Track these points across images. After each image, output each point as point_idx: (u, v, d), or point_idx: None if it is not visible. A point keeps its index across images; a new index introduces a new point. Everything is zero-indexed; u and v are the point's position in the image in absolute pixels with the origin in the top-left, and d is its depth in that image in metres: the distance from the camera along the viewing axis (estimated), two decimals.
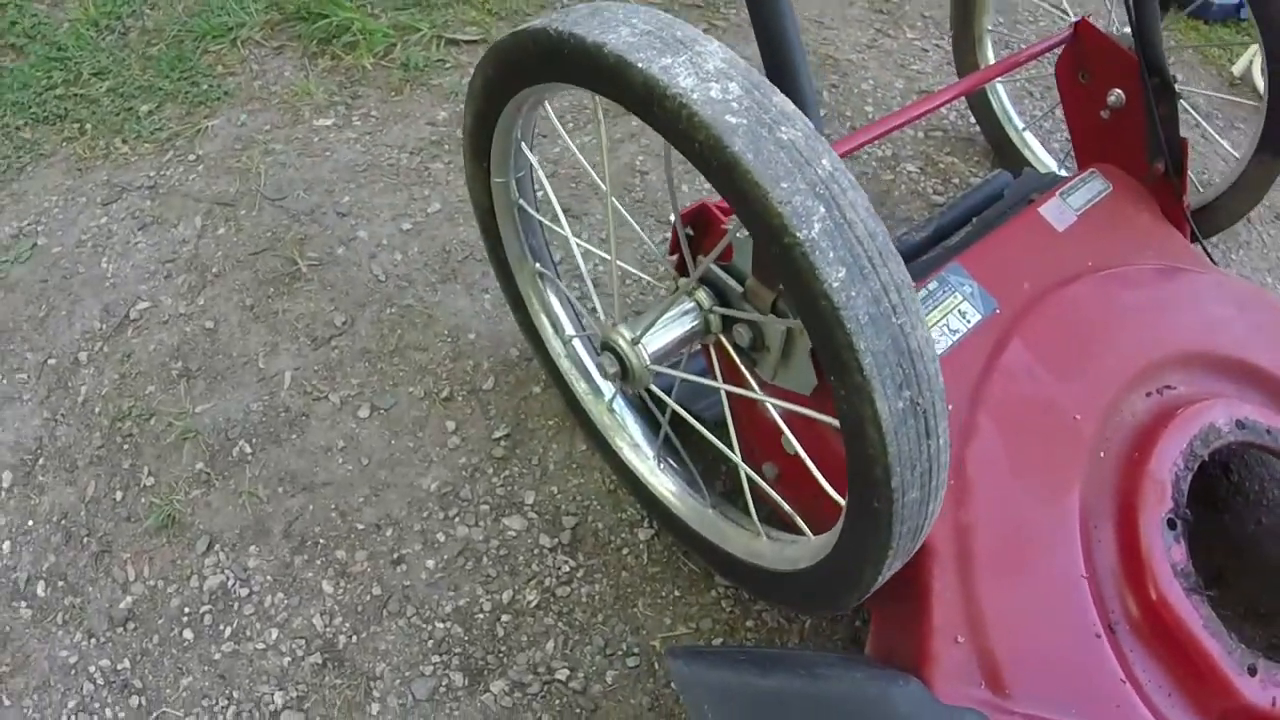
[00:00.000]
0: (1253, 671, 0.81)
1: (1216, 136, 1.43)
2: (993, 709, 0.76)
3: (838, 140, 0.97)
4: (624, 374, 0.80)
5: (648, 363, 0.79)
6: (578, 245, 0.93)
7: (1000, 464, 0.88)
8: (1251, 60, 1.83)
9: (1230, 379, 1.00)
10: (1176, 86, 1.14)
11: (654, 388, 0.85)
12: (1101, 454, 0.91)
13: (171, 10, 1.61)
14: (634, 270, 1.01)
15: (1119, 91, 1.17)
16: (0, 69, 1.51)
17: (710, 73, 0.59)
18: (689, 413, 0.91)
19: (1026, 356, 0.95)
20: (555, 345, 1.04)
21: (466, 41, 1.57)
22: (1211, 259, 1.16)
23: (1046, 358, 0.95)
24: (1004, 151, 1.50)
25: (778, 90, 0.59)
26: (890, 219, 1.39)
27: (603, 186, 0.74)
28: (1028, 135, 1.49)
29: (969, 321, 0.97)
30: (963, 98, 1.45)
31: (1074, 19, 1.20)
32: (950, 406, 0.63)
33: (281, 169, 1.38)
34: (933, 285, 0.99)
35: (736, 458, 0.84)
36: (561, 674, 0.96)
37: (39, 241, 1.30)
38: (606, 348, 0.80)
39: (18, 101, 1.46)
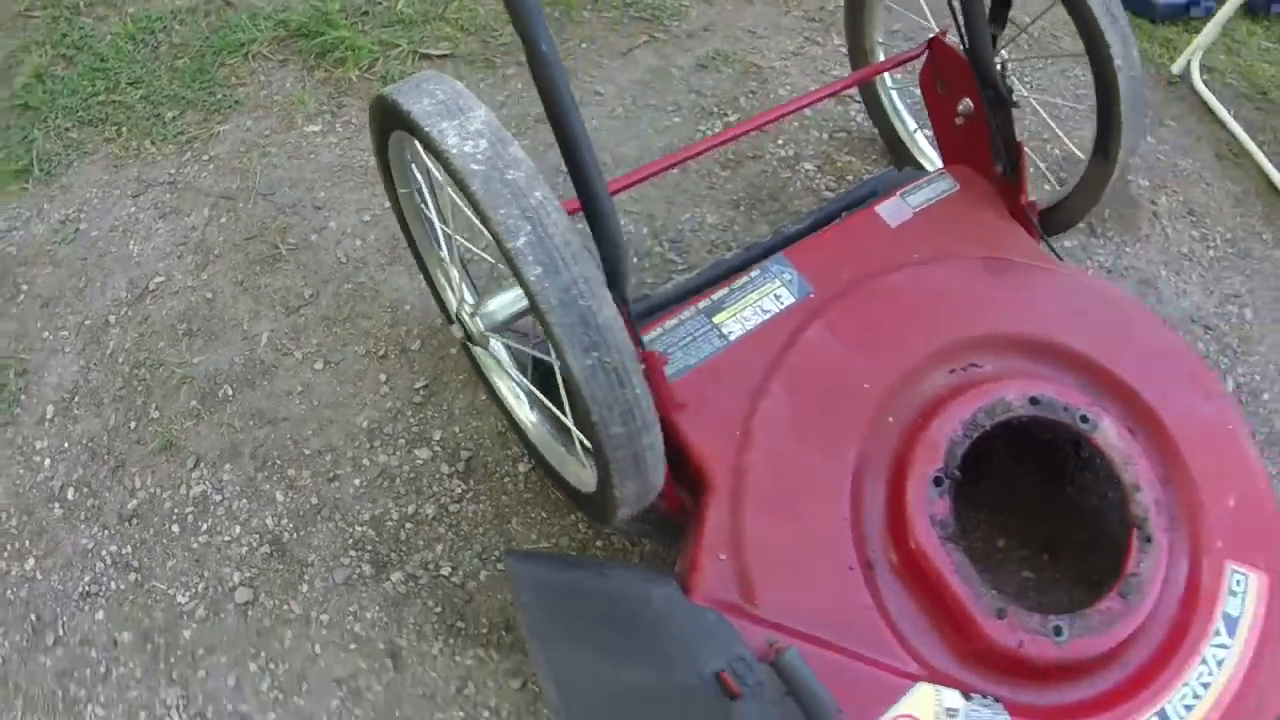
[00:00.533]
0: (1001, 615, 0.99)
1: (1063, 137, 1.60)
2: (736, 613, 0.98)
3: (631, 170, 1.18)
4: (468, 336, 1.07)
5: (483, 329, 1.06)
6: (457, 240, 1.20)
7: (784, 421, 1.10)
8: (1190, 59, 1.95)
9: (1039, 361, 1.16)
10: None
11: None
12: (890, 419, 1.11)
13: (196, 27, 1.92)
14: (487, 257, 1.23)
15: (968, 100, 1.32)
16: (54, 76, 1.84)
17: (470, 133, 0.85)
18: (542, 366, 1.17)
19: (827, 334, 1.17)
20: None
21: (438, 56, 1.84)
22: (1057, 254, 1.32)
23: (847, 335, 1.16)
24: (898, 151, 1.67)
25: (515, 143, 0.85)
26: (782, 212, 1.62)
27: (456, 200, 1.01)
28: (918, 136, 1.65)
29: (782, 304, 1.20)
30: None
31: (932, 34, 1.34)
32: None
33: (274, 169, 1.68)
34: (755, 273, 1.22)
35: (559, 403, 1.10)
36: (445, 570, 1.25)
37: (80, 226, 1.63)
38: (458, 318, 1.08)
39: (67, 106, 1.79)
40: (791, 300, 1.20)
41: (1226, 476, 1.12)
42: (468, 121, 0.87)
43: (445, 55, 1.84)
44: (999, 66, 1.27)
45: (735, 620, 0.98)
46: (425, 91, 0.92)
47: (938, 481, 1.06)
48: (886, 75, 1.60)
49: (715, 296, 1.20)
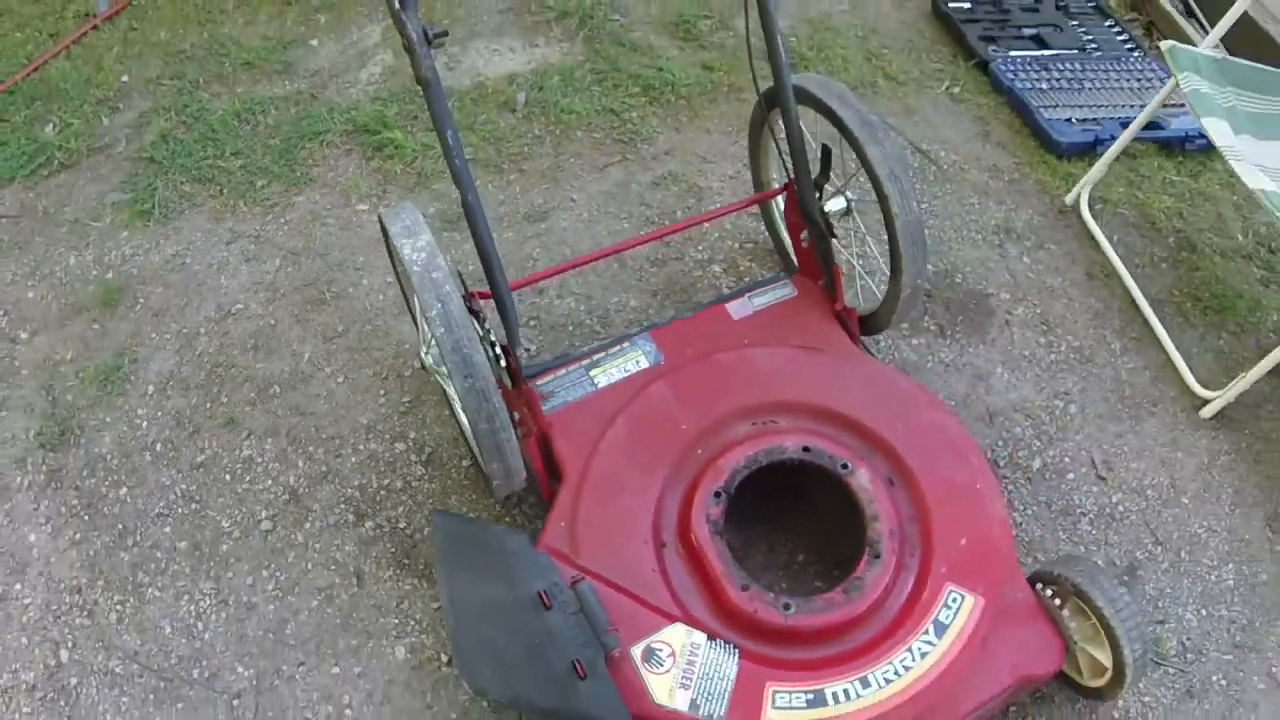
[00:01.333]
0: (746, 588, 1.52)
1: (863, 274, 2.04)
2: (563, 559, 1.53)
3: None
4: (423, 366, 1.67)
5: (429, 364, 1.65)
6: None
7: (621, 443, 1.67)
8: (1080, 191, 2.37)
9: (825, 423, 1.68)
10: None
11: None
12: (699, 451, 1.67)
13: (287, 113, 2.57)
14: None
15: (808, 231, 1.87)
16: (175, 139, 2.50)
17: (417, 247, 1.45)
18: None
19: (665, 390, 1.73)
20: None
21: None
22: (868, 350, 1.84)
23: (679, 392, 1.73)
24: (786, 259, 2.17)
25: (440, 256, 1.45)
26: (688, 302, 2.19)
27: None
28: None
29: (639, 367, 1.78)
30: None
31: (789, 179, 1.83)
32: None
33: (329, 235, 2.31)
34: (626, 344, 1.80)
35: None
36: (402, 524, 1.83)
37: (186, 260, 2.27)
38: (420, 356, 1.67)
39: (183, 165, 2.44)
40: (647, 365, 1.78)
41: (963, 522, 1.60)
42: (418, 241, 1.47)
43: (469, 159, 2.46)
44: (846, 205, 1.80)
45: (561, 563, 1.54)
46: (399, 217, 1.52)
47: (718, 495, 1.61)
48: (779, 199, 2.08)
49: (595, 358, 1.79)
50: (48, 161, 2.45)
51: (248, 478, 1.92)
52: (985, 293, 2.25)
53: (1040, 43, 2.85)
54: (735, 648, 1.50)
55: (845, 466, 1.64)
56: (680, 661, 1.47)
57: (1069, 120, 2.57)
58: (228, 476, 1.92)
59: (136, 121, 2.55)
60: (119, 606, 1.78)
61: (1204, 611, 1.87)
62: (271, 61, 2.69)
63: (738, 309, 1.87)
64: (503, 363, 1.65)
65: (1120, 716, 1.73)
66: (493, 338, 1.59)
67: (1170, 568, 1.91)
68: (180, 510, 1.88)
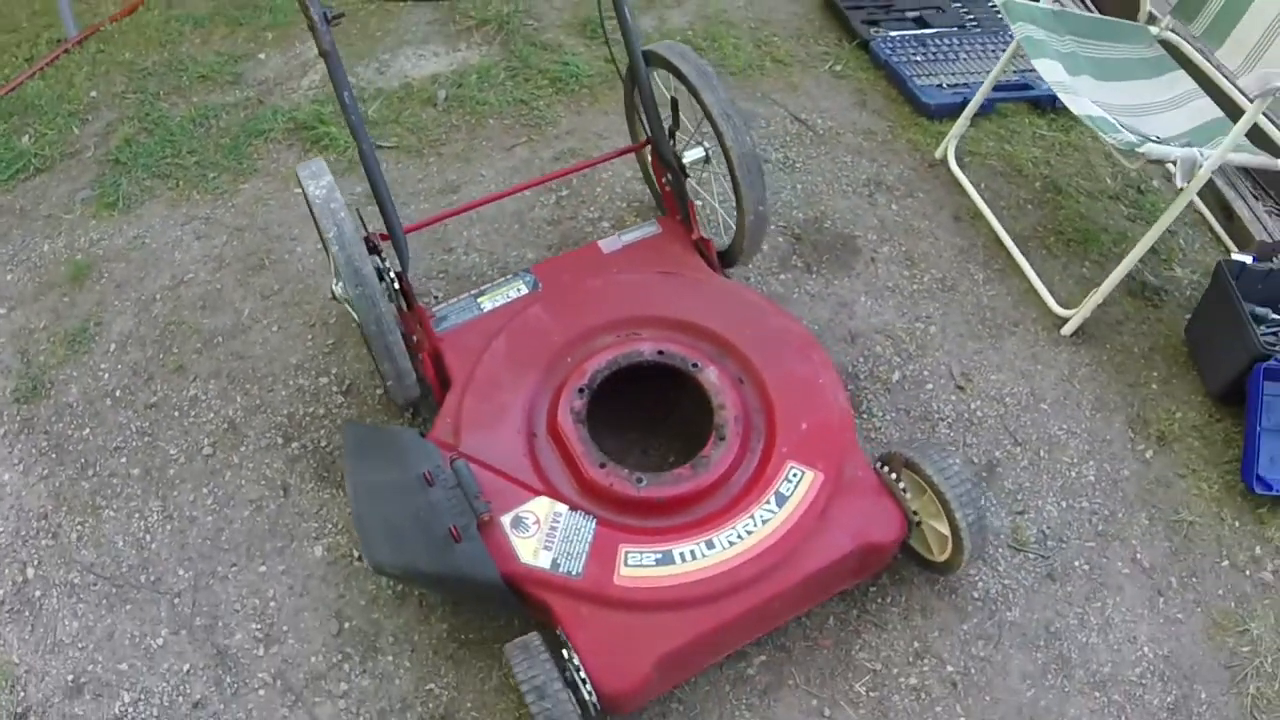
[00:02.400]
0: (603, 466, 1.78)
1: (717, 206, 2.26)
2: (447, 447, 1.79)
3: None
4: (334, 297, 1.94)
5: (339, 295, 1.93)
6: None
7: (501, 354, 1.92)
8: (946, 146, 2.62)
9: (680, 332, 1.93)
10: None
11: None
12: (569, 359, 1.95)
13: (236, 116, 2.88)
14: None
15: (668, 174, 2.15)
16: (137, 142, 2.80)
17: (321, 185, 1.74)
18: None
19: (541, 311, 2.00)
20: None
21: (389, 147, 2.77)
22: (723, 274, 2.10)
23: (553, 312, 1.99)
24: (661, 206, 2.30)
25: (338, 192, 1.74)
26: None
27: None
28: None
29: (520, 293, 2.05)
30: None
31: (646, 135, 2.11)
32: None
33: (270, 214, 2.60)
34: (510, 277, 2.08)
35: None
36: (324, 444, 2.10)
37: (146, 240, 2.57)
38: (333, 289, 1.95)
39: (145, 164, 2.73)
40: (527, 292, 2.05)
41: (805, 410, 1.84)
42: (320, 181, 1.76)
43: (393, 147, 2.76)
44: (704, 154, 2.07)
45: (445, 450, 1.80)
46: (308, 168, 1.81)
47: (581, 391, 1.87)
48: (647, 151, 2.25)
49: (483, 288, 2.06)
50: (24, 167, 2.76)
51: (193, 413, 2.18)
52: (852, 235, 2.52)
53: (922, 23, 3.14)
54: (593, 516, 1.74)
55: (695, 365, 1.90)
56: (544, 528, 1.71)
57: (939, 86, 2.85)
58: (176, 413, 2.19)
59: (104, 130, 2.86)
60: (79, 527, 2.04)
61: (1064, 504, 2.08)
62: (224, 74, 3.01)
63: (608, 245, 2.14)
64: (397, 286, 1.92)
65: (980, 596, 1.94)
66: (392, 270, 1.87)
67: (1030, 465, 2.13)
68: (134, 444, 2.15)
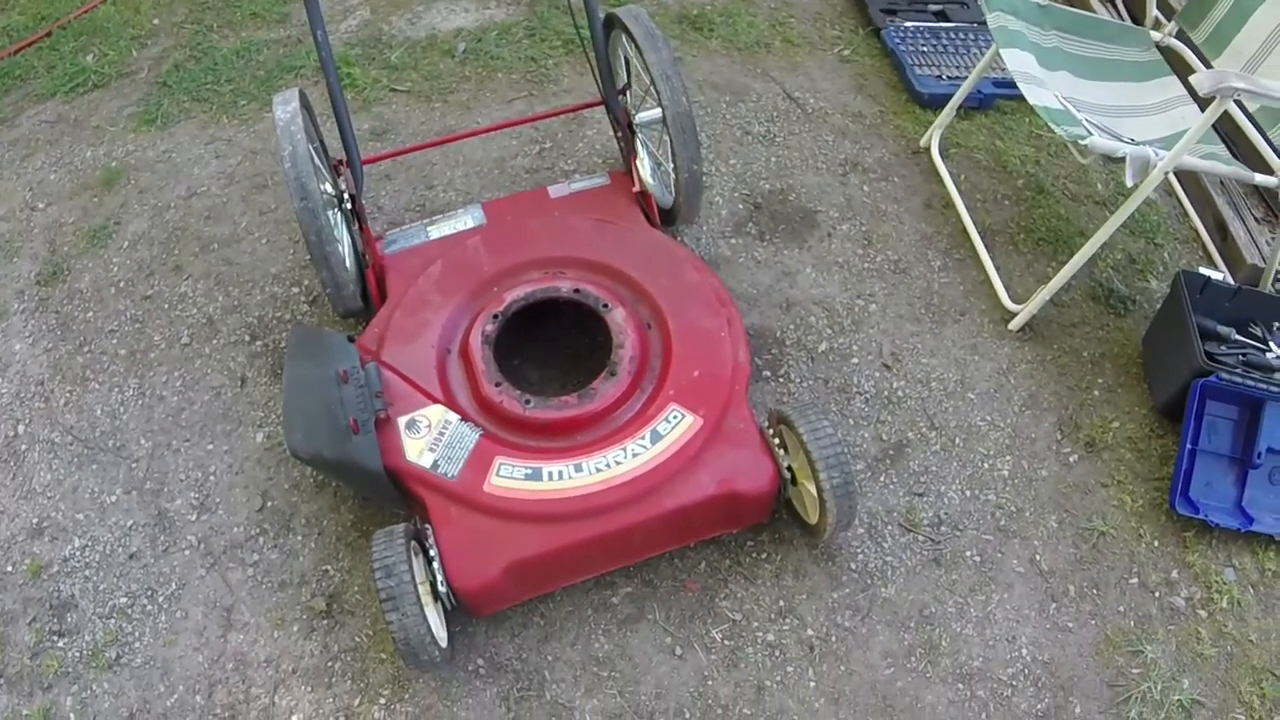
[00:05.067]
0: (498, 385, 1.94)
1: (669, 167, 2.20)
2: (369, 353, 1.98)
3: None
4: None
5: None
6: None
7: (435, 278, 2.09)
8: (931, 135, 2.64)
9: (602, 275, 2.07)
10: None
11: None
12: (495, 288, 2.11)
13: (275, 53, 3.12)
14: None
15: (619, 130, 2.28)
16: (185, 69, 3.07)
17: (287, 110, 1.93)
18: None
19: (479, 243, 2.16)
20: None
21: (402, 90, 2.96)
22: (663, 230, 2.23)
23: (490, 245, 2.15)
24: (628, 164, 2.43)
25: (300, 116, 1.92)
26: None
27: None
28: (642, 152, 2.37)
29: (466, 226, 2.21)
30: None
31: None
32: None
33: None
34: (459, 210, 2.24)
35: None
36: (283, 345, 2.30)
37: (172, 155, 2.82)
38: None
39: (187, 88, 3.01)
40: (472, 225, 2.21)
41: (700, 359, 1.95)
42: (288, 106, 1.95)
43: (406, 91, 2.96)
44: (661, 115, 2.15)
45: (367, 355, 1.97)
46: (282, 94, 1.99)
47: (495, 317, 2.02)
48: None
49: (434, 218, 2.23)
50: (84, 82, 3.06)
51: (180, 307, 2.43)
52: (814, 210, 2.58)
53: (942, 17, 3.16)
54: (480, 429, 1.89)
55: (605, 306, 2.03)
56: (434, 432, 1.87)
57: (939, 77, 2.88)
58: (165, 305, 2.44)
59: (159, 55, 3.15)
60: (68, 395, 2.30)
61: (969, 493, 2.09)
62: (273, 12, 3.26)
63: (557, 191, 2.28)
64: (350, 207, 2.11)
65: (857, 569, 1.99)
66: (348, 192, 2.07)
67: (941, 450, 2.16)
68: (127, 328, 2.41)
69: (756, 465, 1.86)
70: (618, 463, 1.82)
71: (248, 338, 2.34)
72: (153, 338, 2.38)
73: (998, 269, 2.43)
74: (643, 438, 1.85)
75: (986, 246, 2.47)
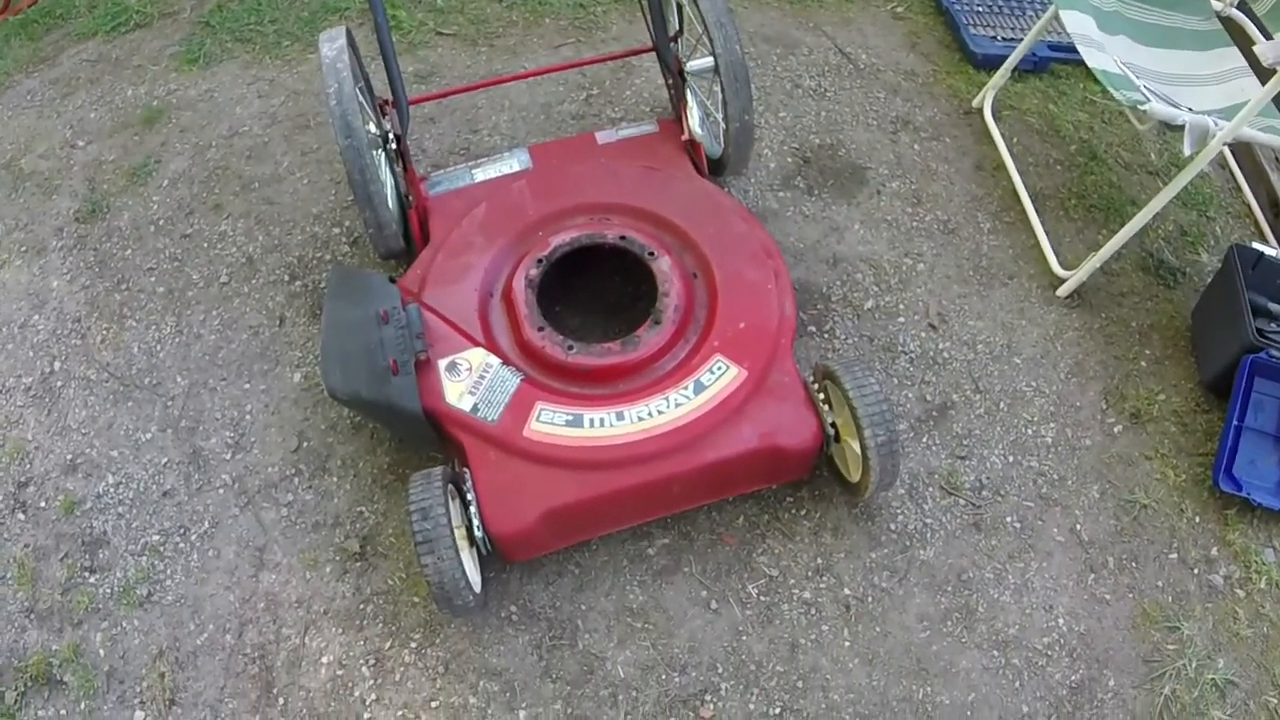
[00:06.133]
0: (541, 330, 1.91)
1: (719, 116, 2.16)
2: (411, 295, 1.95)
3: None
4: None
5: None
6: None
7: (479, 220, 2.06)
8: (985, 96, 2.58)
9: (647, 222, 2.03)
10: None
11: None
12: (540, 233, 2.07)
13: None
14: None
15: (670, 78, 2.22)
16: (229, 9, 3.03)
17: (334, 47, 1.89)
18: None
19: (525, 187, 2.12)
20: None
21: (448, 34, 2.91)
22: (711, 179, 2.16)
23: (536, 190, 2.11)
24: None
25: (346, 53, 1.88)
26: None
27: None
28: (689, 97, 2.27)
29: (512, 169, 2.17)
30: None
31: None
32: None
33: None
34: (505, 153, 2.20)
35: None
36: (322, 285, 2.28)
37: (215, 95, 2.78)
38: None
39: (230, 28, 2.96)
40: (518, 169, 2.16)
41: (747, 310, 1.91)
42: (334, 44, 1.91)
43: (452, 34, 2.90)
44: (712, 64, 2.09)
45: (409, 297, 1.94)
46: (329, 32, 1.95)
47: (539, 261, 1.98)
48: None
49: (479, 161, 2.19)
50: (126, 22, 3.03)
51: (219, 246, 2.41)
52: (864, 166, 2.52)
53: None
54: (522, 374, 1.86)
55: (652, 254, 1.98)
56: (474, 375, 1.84)
57: (994, 38, 2.79)
58: (205, 244, 2.42)
59: None
60: (104, 332, 2.29)
61: (1012, 459, 2.05)
62: None
63: (604, 137, 2.23)
64: (395, 147, 2.07)
65: (897, 530, 1.95)
66: (393, 132, 2.03)
67: (985, 414, 2.11)
68: (165, 267, 2.39)
69: (800, 420, 1.81)
70: (659, 412, 1.78)
71: (287, 277, 2.32)
72: (191, 276, 2.36)
73: (1048, 234, 2.36)
74: (685, 388, 1.81)
75: (1037, 211, 2.40)
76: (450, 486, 1.74)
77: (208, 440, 2.09)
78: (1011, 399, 2.12)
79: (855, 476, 1.86)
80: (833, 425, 1.84)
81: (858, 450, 1.81)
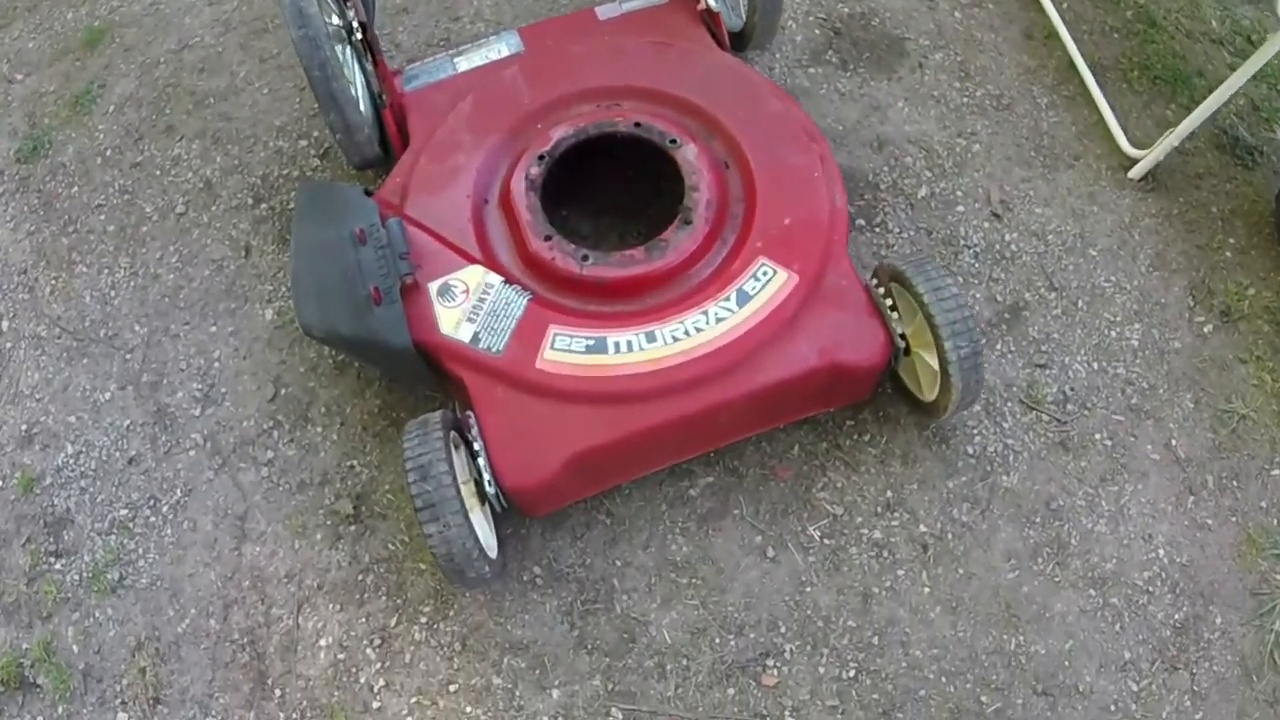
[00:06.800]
0: (548, 239, 1.59)
1: None
2: (392, 208, 1.63)
3: None
4: None
5: None
6: None
7: (466, 115, 1.74)
8: None
9: (666, 106, 1.72)
10: None
11: None
12: (539, 125, 1.74)
13: None
14: None
15: None
16: None
17: None
18: None
19: (518, 73, 1.79)
20: None
21: None
22: (733, 53, 1.86)
23: (531, 76, 1.78)
24: None
25: None
26: None
27: None
28: None
29: (500, 55, 1.83)
30: None
31: None
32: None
33: None
34: (491, 37, 1.86)
35: None
36: (290, 206, 1.97)
37: (160, 6, 2.39)
38: None
39: None
40: (507, 53, 1.83)
41: (791, 204, 1.60)
42: None
43: None
44: None
45: (389, 211, 1.63)
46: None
47: (541, 158, 1.67)
48: None
49: (462, 48, 1.85)
50: None
51: (173, 172, 2.10)
52: (902, 37, 2.18)
53: None
54: (529, 293, 1.55)
55: (674, 141, 1.66)
56: (472, 298, 1.54)
57: None
58: (157, 172, 2.11)
59: None
60: (53, 281, 2.00)
61: (1096, 366, 1.78)
62: None
63: (606, 11, 1.89)
64: (361, 37, 1.73)
65: (975, 453, 1.69)
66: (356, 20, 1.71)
67: (1063, 314, 1.83)
68: (115, 201, 2.09)
69: (864, 331, 1.53)
70: (698, 330, 1.49)
71: (250, 201, 2.02)
72: (144, 210, 2.06)
73: (1113, 109, 2.05)
74: (727, 299, 1.51)
75: (1099, 84, 2.07)
76: (453, 434, 1.46)
77: (173, 395, 1.82)
78: (1090, 296, 1.85)
79: (930, 395, 1.57)
80: (902, 336, 1.53)
81: (933, 365, 1.53)
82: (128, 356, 1.88)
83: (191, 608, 1.63)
